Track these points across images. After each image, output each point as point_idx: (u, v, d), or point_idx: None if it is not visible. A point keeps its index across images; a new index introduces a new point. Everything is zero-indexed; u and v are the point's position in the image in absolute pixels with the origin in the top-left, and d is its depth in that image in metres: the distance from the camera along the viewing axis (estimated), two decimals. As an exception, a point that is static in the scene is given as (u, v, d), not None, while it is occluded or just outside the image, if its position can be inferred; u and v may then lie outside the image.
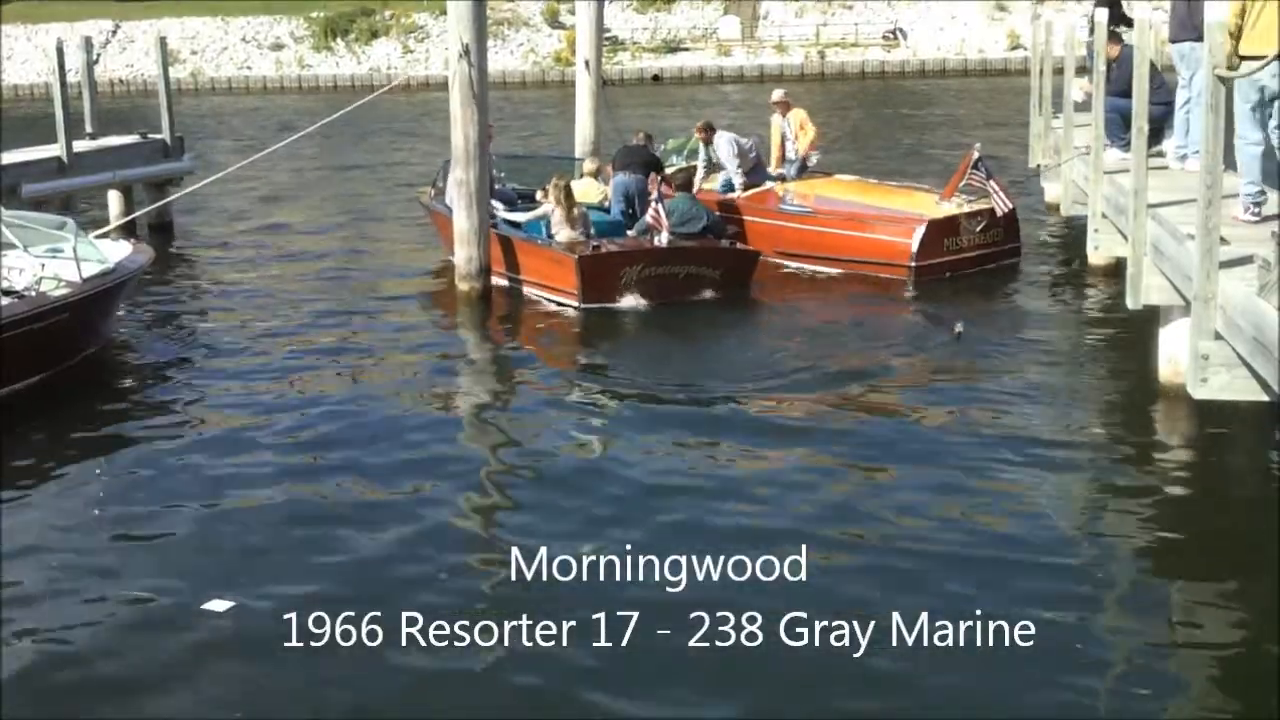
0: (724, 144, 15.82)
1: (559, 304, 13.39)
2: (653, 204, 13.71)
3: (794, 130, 16.14)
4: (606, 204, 15.00)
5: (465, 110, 13.42)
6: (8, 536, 7.95)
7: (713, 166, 16.25)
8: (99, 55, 46.30)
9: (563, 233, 13.63)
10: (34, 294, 10.76)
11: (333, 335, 12.73)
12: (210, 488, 8.77)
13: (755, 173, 15.93)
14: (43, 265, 11.16)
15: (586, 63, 19.28)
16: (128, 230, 15.70)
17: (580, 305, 13.12)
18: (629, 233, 14.16)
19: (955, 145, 24.63)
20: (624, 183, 14.81)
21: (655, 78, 47.27)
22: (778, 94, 16.70)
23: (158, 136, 19.02)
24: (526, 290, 13.91)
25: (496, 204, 14.49)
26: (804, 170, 16.10)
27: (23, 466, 9.22)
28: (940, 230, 14.30)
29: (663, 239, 13.51)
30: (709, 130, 16.14)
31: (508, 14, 51.01)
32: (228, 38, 53.77)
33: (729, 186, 15.87)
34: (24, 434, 9.83)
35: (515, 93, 43.76)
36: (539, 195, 14.63)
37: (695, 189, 15.57)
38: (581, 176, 15.63)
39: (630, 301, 13.12)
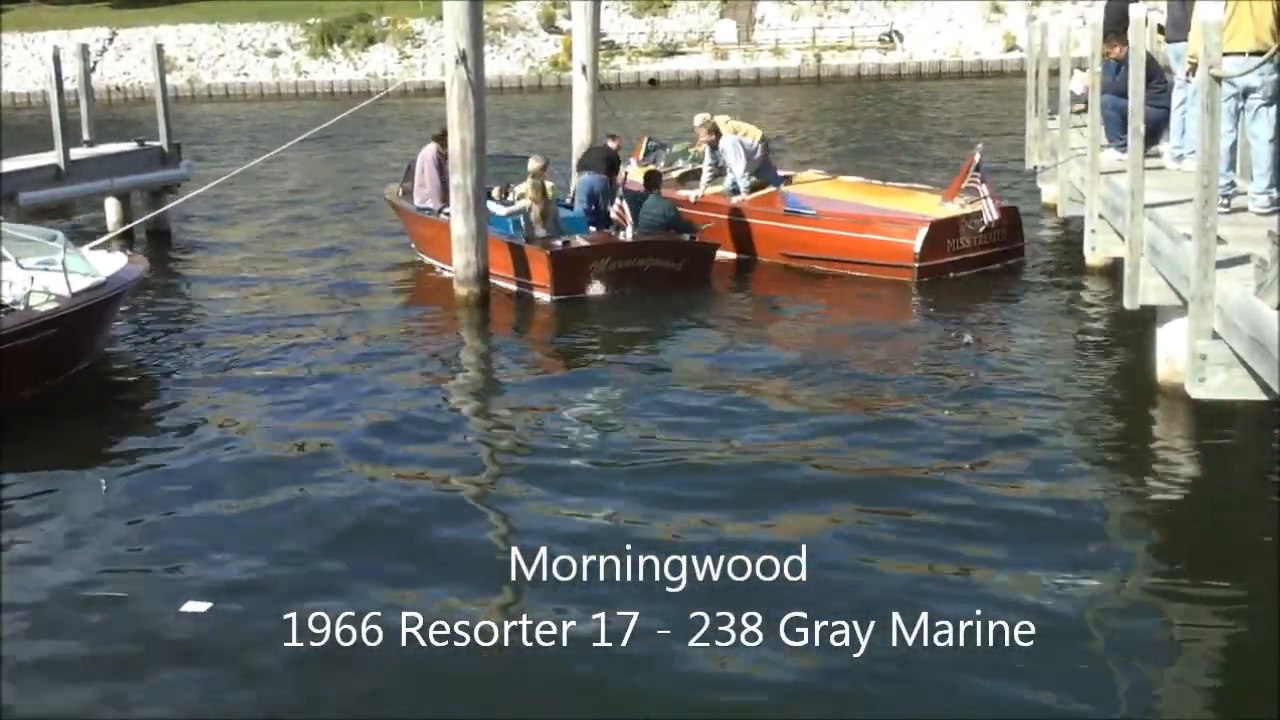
0: (729, 146, 15.84)
1: (532, 297, 13.85)
2: (617, 201, 14.41)
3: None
4: (570, 200, 15.54)
5: (462, 115, 13.42)
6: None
7: (719, 170, 16.23)
8: (96, 63, 46.22)
9: (536, 229, 14.20)
10: (22, 308, 10.64)
11: (331, 345, 12.69)
12: (207, 495, 8.77)
13: (764, 172, 15.97)
14: (32, 279, 11.02)
15: (583, 67, 19.29)
16: (126, 239, 15.68)
17: (552, 297, 13.62)
18: (590, 229, 14.79)
19: (954, 147, 24.68)
20: (588, 182, 15.39)
21: (651, 82, 47.22)
22: (700, 119, 16.30)
23: (155, 143, 19.00)
24: (501, 284, 14.10)
25: None
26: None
27: (12, 481, 9.15)
28: (943, 231, 14.34)
29: (628, 234, 14.17)
30: (714, 134, 16.09)
31: (504, 19, 50.96)
32: (224, 45, 53.71)
33: (736, 189, 15.90)
34: (13, 449, 9.71)
35: (512, 98, 43.72)
36: (508, 194, 15.11)
37: (701, 192, 15.94)
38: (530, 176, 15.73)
39: (599, 292, 13.70)
